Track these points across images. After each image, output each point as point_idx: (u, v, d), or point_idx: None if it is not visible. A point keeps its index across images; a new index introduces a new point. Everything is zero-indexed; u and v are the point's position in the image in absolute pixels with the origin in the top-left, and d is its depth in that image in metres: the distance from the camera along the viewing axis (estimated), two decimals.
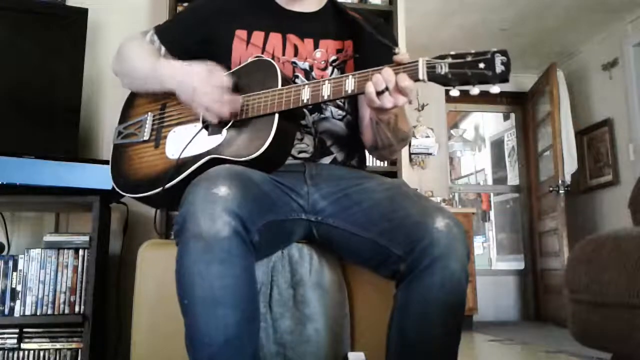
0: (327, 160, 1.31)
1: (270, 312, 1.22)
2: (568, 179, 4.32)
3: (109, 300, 2.15)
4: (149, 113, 1.34)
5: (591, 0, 3.88)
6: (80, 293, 1.93)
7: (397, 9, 2.60)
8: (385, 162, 2.53)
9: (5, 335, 1.91)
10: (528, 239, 5.11)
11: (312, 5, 1.38)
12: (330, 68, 1.34)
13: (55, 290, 1.92)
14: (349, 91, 1.09)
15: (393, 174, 2.48)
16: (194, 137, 1.21)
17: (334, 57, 1.34)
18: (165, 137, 1.28)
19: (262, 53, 1.30)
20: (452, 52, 1.01)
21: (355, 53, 1.36)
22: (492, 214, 7.01)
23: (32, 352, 1.91)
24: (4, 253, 2.10)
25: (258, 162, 1.12)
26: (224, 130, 1.19)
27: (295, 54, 1.32)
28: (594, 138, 4.58)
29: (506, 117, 6.20)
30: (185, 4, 2.38)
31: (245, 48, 1.32)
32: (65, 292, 1.93)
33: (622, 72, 4.22)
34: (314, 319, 1.22)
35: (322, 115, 1.31)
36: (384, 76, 1.02)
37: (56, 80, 2.15)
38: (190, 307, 0.96)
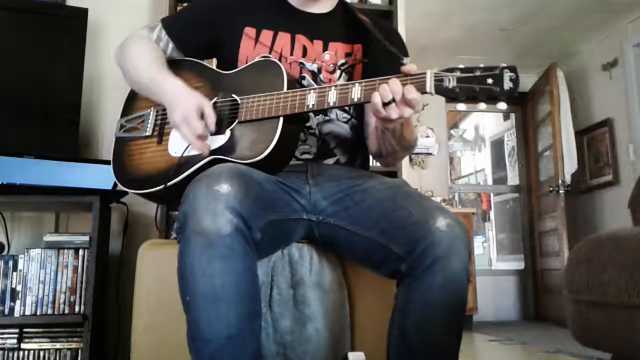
0: (330, 161, 1.30)
1: (270, 312, 1.22)
2: (568, 179, 4.32)
3: (109, 300, 2.15)
4: (152, 108, 1.33)
5: (591, 0, 3.88)
6: (80, 293, 1.93)
7: (397, 9, 2.60)
8: None
9: (5, 335, 1.91)
10: (528, 239, 5.11)
11: (324, 6, 1.36)
12: (338, 71, 1.32)
13: (55, 290, 1.92)
14: (355, 99, 1.08)
15: (393, 174, 2.47)
16: None
17: (342, 61, 1.33)
18: (168, 133, 1.27)
19: (270, 52, 1.29)
20: (461, 66, 1.00)
21: (364, 57, 1.34)
22: (492, 214, 7.01)
23: (32, 352, 1.91)
24: (4, 253, 2.10)
25: (261, 164, 1.12)
26: (228, 131, 1.19)
27: (304, 55, 1.31)
28: (594, 138, 4.58)
29: (506, 117, 6.20)
30: (185, 4, 2.38)
31: (253, 46, 1.30)
32: (65, 292, 1.93)
33: (622, 72, 4.22)
34: (314, 319, 1.22)
35: (327, 117, 1.31)
36: (391, 87, 1.01)
37: (56, 80, 2.16)
38: (192, 304, 0.96)
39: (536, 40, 4.51)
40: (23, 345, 1.91)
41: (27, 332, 1.92)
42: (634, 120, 4.09)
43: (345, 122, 1.33)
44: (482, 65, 0.99)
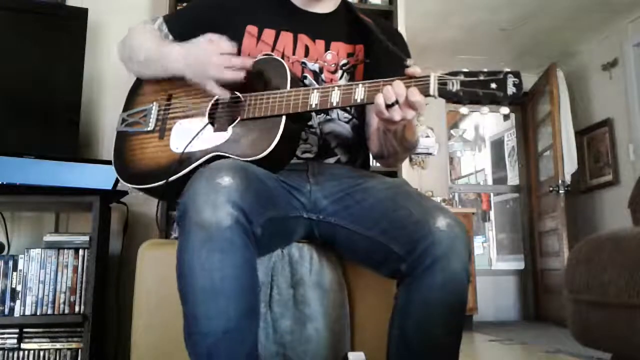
0: (330, 161, 1.30)
1: (270, 312, 1.22)
2: (568, 179, 4.32)
3: (109, 300, 2.15)
4: (155, 103, 1.32)
5: (591, 0, 3.87)
6: (80, 293, 1.93)
7: (397, 9, 2.60)
8: None
9: (5, 335, 1.91)
10: (528, 239, 5.11)
11: (326, 6, 1.36)
12: (340, 72, 1.32)
13: (55, 290, 1.92)
14: (358, 100, 1.08)
15: (393, 173, 2.47)
16: (199, 132, 1.20)
17: (344, 61, 1.33)
18: (170, 129, 1.27)
19: (272, 51, 1.29)
20: (465, 70, 1.00)
21: (366, 58, 1.35)
22: (492, 214, 7.02)
23: (32, 352, 1.91)
24: (4, 253, 2.10)
25: (262, 162, 1.12)
26: (230, 128, 1.19)
27: (306, 55, 1.31)
28: (594, 138, 4.58)
29: (506, 117, 6.20)
30: (185, 4, 2.37)
31: (255, 44, 1.30)
32: (65, 292, 1.93)
33: (622, 72, 4.21)
34: (314, 319, 1.22)
35: (328, 117, 1.31)
36: (395, 89, 1.02)
37: (56, 80, 2.16)
38: (189, 297, 0.96)
39: (536, 40, 4.51)
40: (23, 345, 1.91)
41: (27, 332, 1.92)
42: (634, 120, 4.09)
43: (347, 122, 1.33)
44: (485, 70, 0.99)
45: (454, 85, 1.00)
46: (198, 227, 0.94)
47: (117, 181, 1.94)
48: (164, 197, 1.43)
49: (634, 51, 4.14)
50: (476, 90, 0.99)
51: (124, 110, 1.37)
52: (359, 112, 1.36)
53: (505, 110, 1.00)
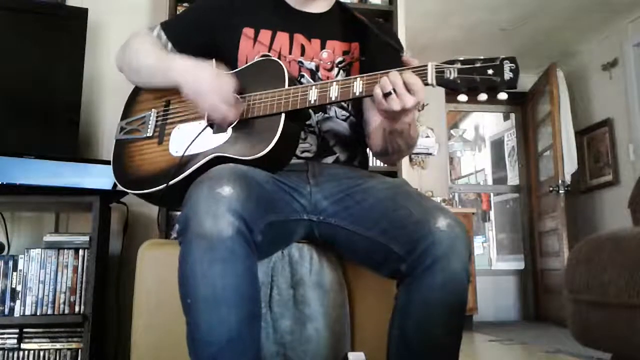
0: (329, 159, 1.31)
1: (270, 312, 1.22)
2: (568, 179, 4.32)
3: (109, 300, 2.15)
4: (153, 110, 1.33)
5: (591, 0, 3.88)
6: (80, 293, 1.93)
7: (397, 9, 2.60)
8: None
9: (5, 335, 1.91)
10: (528, 239, 5.11)
11: (321, 6, 1.38)
12: (336, 69, 1.33)
13: (55, 290, 1.92)
14: (357, 93, 1.09)
15: (393, 173, 2.47)
16: (198, 134, 1.21)
17: (340, 59, 1.34)
18: (169, 134, 1.27)
19: (269, 51, 1.30)
20: (461, 58, 1.02)
21: (361, 55, 1.36)
22: (492, 214, 7.01)
23: (32, 352, 1.91)
24: (4, 253, 2.10)
25: (263, 161, 1.12)
26: (229, 129, 1.19)
27: (302, 54, 1.32)
28: (594, 138, 4.58)
29: (506, 117, 6.20)
30: (186, 4, 2.38)
31: (252, 46, 1.31)
32: (65, 292, 1.93)
33: (622, 72, 4.22)
34: (314, 319, 1.22)
35: (326, 115, 1.32)
36: (391, 78, 1.03)
37: (56, 80, 2.16)
38: (192, 306, 0.96)
39: (536, 40, 4.51)
40: (23, 345, 1.91)
41: (27, 332, 1.92)
42: (634, 120, 4.09)
43: (344, 120, 1.34)
44: (482, 57, 1.01)
45: (452, 73, 1.02)
46: (200, 237, 0.95)
47: None
48: (163, 202, 1.44)
49: (634, 51, 4.14)
50: (473, 77, 1.01)
51: (122, 118, 1.38)
52: (356, 109, 1.37)
53: (503, 95, 1.01)
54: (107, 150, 2.25)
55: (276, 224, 1.10)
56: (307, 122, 1.29)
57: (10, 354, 1.90)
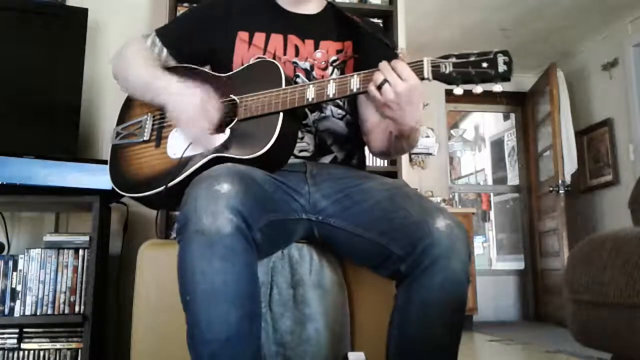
0: (327, 159, 1.31)
1: (270, 312, 1.22)
2: (568, 179, 4.32)
3: (109, 300, 2.15)
4: (148, 114, 1.34)
5: (591, 0, 3.87)
6: (80, 293, 1.93)
7: (397, 9, 2.60)
8: (385, 162, 2.53)
9: (5, 335, 1.91)
10: (528, 239, 5.11)
11: (313, 7, 1.40)
12: (330, 68, 1.35)
13: (55, 290, 1.92)
14: (354, 90, 1.11)
15: (393, 174, 2.47)
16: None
17: (334, 58, 1.36)
18: (167, 137, 1.28)
19: (264, 53, 1.31)
20: (456, 53, 1.05)
21: (354, 53, 1.37)
22: (492, 214, 7.02)
23: (32, 352, 1.91)
24: (4, 253, 2.10)
25: (261, 160, 1.13)
26: (227, 129, 1.19)
27: (296, 54, 1.33)
28: (594, 138, 4.58)
29: (506, 117, 6.21)
30: (186, 5, 2.38)
31: (247, 49, 1.32)
32: (65, 292, 1.93)
33: (622, 72, 4.22)
34: (314, 319, 1.22)
35: (323, 114, 1.32)
36: (382, 69, 1.06)
37: (56, 80, 2.15)
38: (192, 304, 0.96)
39: (536, 40, 4.51)
40: (23, 345, 1.91)
41: (27, 332, 1.92)
42: (634, 120, 4.09)
43: (341, 119, 1.35)
44: (476, 51, 1.05)
45: (447, 68, 1.05)
46: (198, 234, 0.95)
47: None
48: (162, 205, 1.43)
49: (634, 51, 4.14)
50: (469, 70, 1.04)
51: (118, 123, 1.38)
52: (352, 108, 1.37)
53: (498, 87, 1.05)
54: (107, 150, 2.22)
55: (275, 223, 1.10)
56: (304, 122, 1.29)
57: (10, 354, 1.90)
